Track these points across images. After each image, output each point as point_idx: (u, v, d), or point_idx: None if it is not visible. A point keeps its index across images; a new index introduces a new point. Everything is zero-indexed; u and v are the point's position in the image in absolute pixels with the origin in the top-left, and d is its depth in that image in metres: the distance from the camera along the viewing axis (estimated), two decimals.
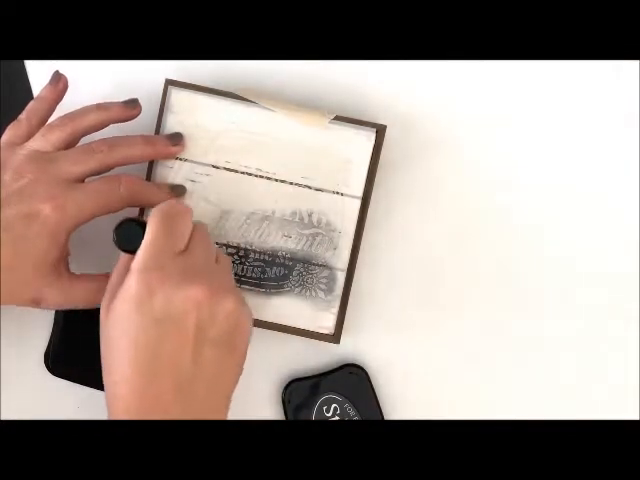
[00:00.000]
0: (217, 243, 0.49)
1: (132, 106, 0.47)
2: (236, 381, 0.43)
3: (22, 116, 0.46)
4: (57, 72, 0.47)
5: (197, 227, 0.43)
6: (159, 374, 0.40)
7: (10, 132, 0.45)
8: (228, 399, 0.42)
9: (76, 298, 0.45)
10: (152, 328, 0.40)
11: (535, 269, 0.52)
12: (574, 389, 0.52)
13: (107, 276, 0.46)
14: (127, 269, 0.41)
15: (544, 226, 0.52)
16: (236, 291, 0.43)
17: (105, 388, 0.41)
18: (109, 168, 0.45)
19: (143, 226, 0.42)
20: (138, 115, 0.47)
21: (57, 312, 0.51)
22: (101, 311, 0.42)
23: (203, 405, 0.41)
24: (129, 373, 0.40)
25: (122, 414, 0.40)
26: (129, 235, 0.42)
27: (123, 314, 0.40)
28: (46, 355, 0.51)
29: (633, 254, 0.52)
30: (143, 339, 0.40)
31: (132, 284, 0.40)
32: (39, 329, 0.52)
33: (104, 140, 0.45)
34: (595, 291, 0.52)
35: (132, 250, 0.41)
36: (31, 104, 0.46)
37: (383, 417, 0.51)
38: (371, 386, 0.51)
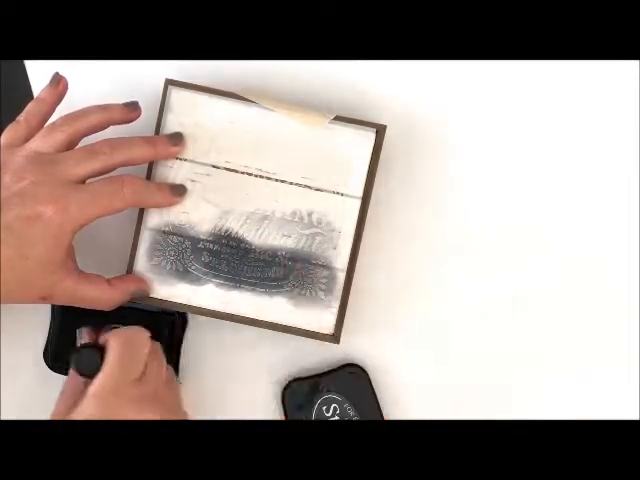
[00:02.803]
0: (216, 242, 0.49)
1: (132, 108, 0.47)
2: None
3: (21, 117, 0.46)
4: (57, 74, 0.47)
5: (152, 349, 0.45)
6: None
7: (9, 133, 0.45)
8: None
9: (83, 297, 0.45)
10: None
11: (536, 268, 0.52)
12: (574, 389, 0.52)
13: (110, 282, 0.46)
14: (81, 391, 0.44)
15: (545, 225, 0.52)
16: (183, 414, 0.46)
17: None
18: (111, 169, 0.45)
19: (101, 351, 0.44)
20: (138, 117, 0.47)
21: (53, 307, 0.51)
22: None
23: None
24: None
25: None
26: (87, 360, 0.44)
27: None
28: (45, 352, 0.52)
29: (634, 253, 0.52)
30: None
31: (89, 408, 0.42)
32: (38, 326, 0.52)
33: (106, 141, 0.45)
34: (596, 291, 0.52)
35: (90, 374, 0.44)
36: (30, 105, 0.46)
37: (383, 417, 0.51)
38: (371, 386, 0.51)
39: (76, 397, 0.44)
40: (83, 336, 0.47)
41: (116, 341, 0.44)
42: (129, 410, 0.42)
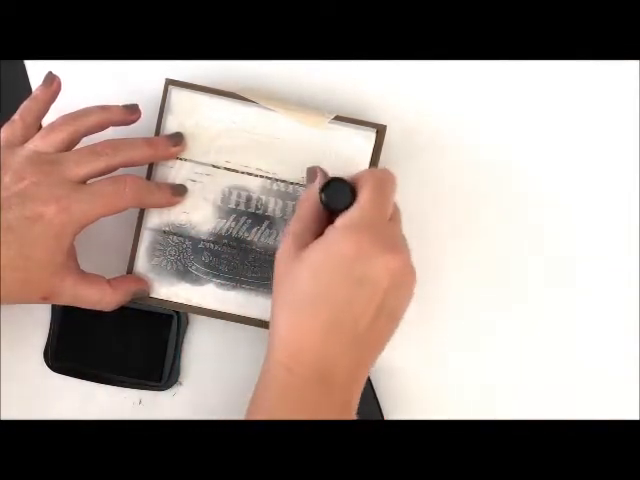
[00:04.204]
0: (217, 242, 0.49)
1: (132, 110, 0.47)
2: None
3: (16, 116, 0.46)
4: (50, 73, 0.47)
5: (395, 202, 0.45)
6: (341, 327, 0.41)
7: (6, 132, 0.45)
8: (372, 365, 0.44)
9: (83, 298, 0.45)
10: (349, 286, 0.41)
11: (536, 268, 0.52)
12: (574, 389, 0.52)
13: (111, 283, 0.46)
14: (319, 221, 0.43)
15: (545, 226, 0.52)
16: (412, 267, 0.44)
17: (272, 334, 0.43)
18: (112, 170, 0.45)
19: (351, 187, 0.43)
20: (137, 120, 0.47)
21: (54, 307, 0.51)
22: (282, 255, 0.43)
23: (367, 362, 0.43)
24: (313, 322, 0.41)
25: (291, 360, 0.42)
26: (338, 194, 0.43)
27: (322, 266, 0.41)
28: (45, 351, 0.52)
29: (633, 254, 0.52)
30: (337, 295, 0.41)
31: (340, 240, 0.41)
32: (38, 326, 0.52)
33: (108, 142, 0.45)
34: (595, 291, 0.52)
35: (339, 208, 0.43)
36: (25, 104, 0.46)
37: (383, 417, 0.51)
38: (371, 386, 0.51)
39: (317, 226, 0.43)
40: (319, 173, 0.46)
41: (371, 178, 0.43)
42: (380, 248, 0.41)
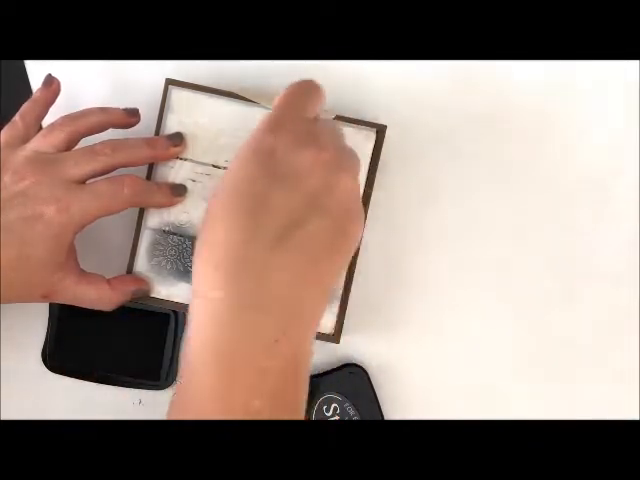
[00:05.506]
0: None
1: (132, 114, 0.47)
2: (336, 276, 0.37)
3: (16, 117, 0.46)
4: (49, 75, 0.48)
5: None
6: (259, 225, 0.35)
7: (7, 133, 0.45)
8: (324, 297, 0.38)
9: (83, 298, 0.45)
10: (269, 178, 0.36)
11: (536, 270, 0.52)
12: (574, 389, 0.52)
13: (110, 282, 0.46)
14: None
15: (545, 226, 0.52)
16: (358, 179, 0.39)
17: (198, 241, 0.37)
18: (111, 170, 0.45)
19: None
20: (137, 123, 0.48)
21: (51, 307, 0.51)
22: None
23: (308, 281, 0.36)
24: (224, 221, 0.36)
25: (208, 265, 0.36)
26: None
27: (243, 163, 0.37)
28: (43, 351, 0.52)
29: (634, 255, 0.52)
30: (254, 188, 0.36)
31: (257, 137, 0.37)
32: (38, 327, 0.52)
33: (107, 142, 0.45)
34: (595, 291, 0.52)
35: None
36: (25, 105, 0.47)
37: (383, 417, 0.51)
38: (371, 386, 0.51)
39: None
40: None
41: (288, 86, 0.41)
42: (301, 140, 0.37)
